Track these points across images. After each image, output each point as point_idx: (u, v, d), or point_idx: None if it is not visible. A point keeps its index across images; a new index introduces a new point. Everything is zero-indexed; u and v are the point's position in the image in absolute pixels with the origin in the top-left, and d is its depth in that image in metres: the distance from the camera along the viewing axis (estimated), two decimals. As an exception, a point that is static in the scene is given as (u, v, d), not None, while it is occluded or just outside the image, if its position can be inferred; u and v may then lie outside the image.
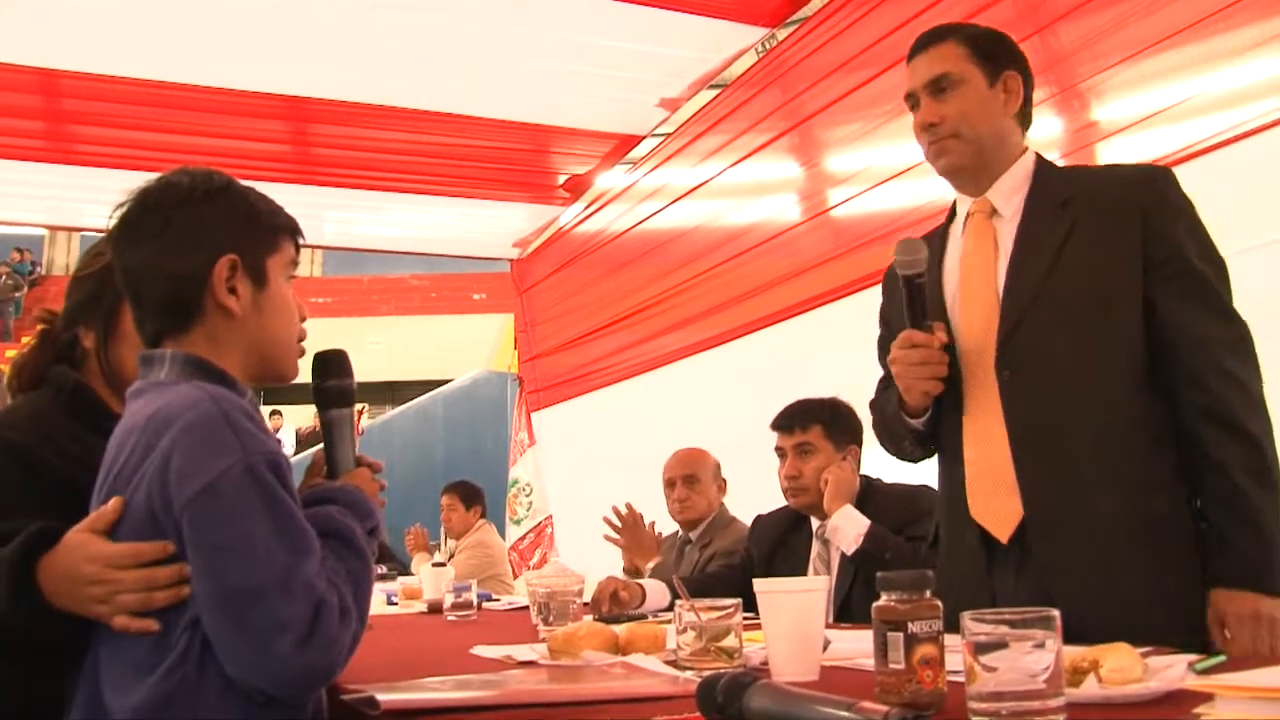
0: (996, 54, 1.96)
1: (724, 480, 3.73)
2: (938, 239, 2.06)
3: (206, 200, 1.45)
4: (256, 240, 1.47)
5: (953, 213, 2.09)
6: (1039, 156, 2.00)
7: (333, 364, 1.59)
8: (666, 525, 3.76)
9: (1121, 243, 1.81)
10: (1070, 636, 1.12)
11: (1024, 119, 1.99)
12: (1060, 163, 3.11)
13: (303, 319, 1.53)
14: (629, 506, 3.48)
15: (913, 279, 1.86)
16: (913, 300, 1.88)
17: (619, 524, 3.46)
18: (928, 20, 3.56)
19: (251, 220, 1.47)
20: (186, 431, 1.30)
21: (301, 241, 1.56)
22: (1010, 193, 1.95)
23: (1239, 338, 1.80)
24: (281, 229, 1.51)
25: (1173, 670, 1.16)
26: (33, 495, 1.50)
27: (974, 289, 1.93)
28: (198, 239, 1.43)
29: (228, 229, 1.44)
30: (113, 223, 1.48)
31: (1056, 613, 1.05)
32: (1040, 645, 1.03)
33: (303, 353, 1.54)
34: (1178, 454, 1.79)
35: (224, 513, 1.27)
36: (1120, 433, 1.80)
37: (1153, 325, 1.80)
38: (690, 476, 3.65)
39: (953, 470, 1.94)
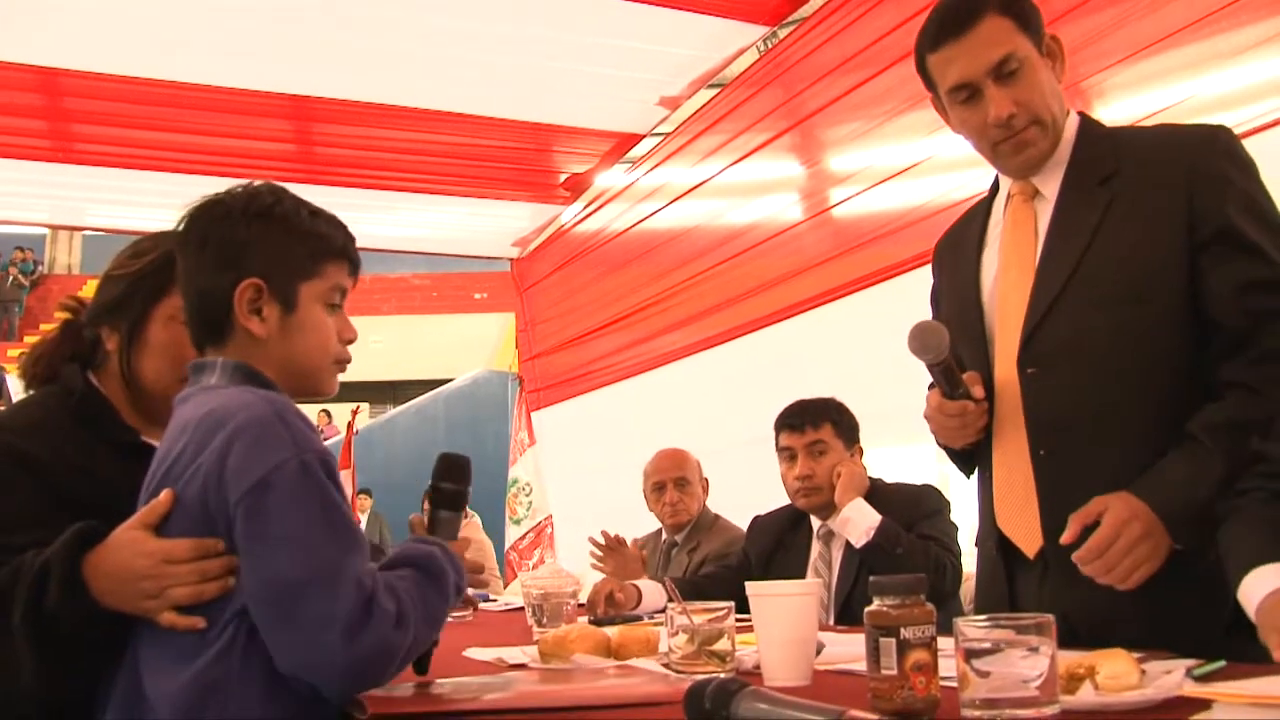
0: (1034, 17, 1.74)
1: (706, 479, 3.72)
2: (980, 216, 1.87)
3: (244, 222, 1.47)
4: (290, 265, 1.48)
5: (996, 185, 1.87)
6: (1082, 119, 1.79)
7: (454, 468, 1.65)
8: (644, 526, 3.74)
9: (1164, 222, 1.62)
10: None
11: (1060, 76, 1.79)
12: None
13: (347, 341, 1.55)
14: (605, 533, 3.43)
15: (934, 365, 1.70)
16: (941, 379, 1.72)
17: (601, 551, 3.41)
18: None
19: (289, 245, 1.49)
20: (242, 429, 1.33)
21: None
22: (1051, 169, 1.75)
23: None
24: (326, 256, 1.52)
25: (1170, 677, 1.13)
26: (41, 507, 1.50)
27: (1010, 283, 1.75)
28: (228, 259, 1.46)
29: (260, 252, 1.47)
30: (178, 228, 1.54)
31: (1051, 618, 1.03)
32: (1035, 650, 1.01)
33: (343, 369, 1.56)
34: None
35: (277, 507, 1.29)
36: (1156, 434, 1.60)
37: (1200, 310, 1.60)
38: (681, 479, 3.63)
39: (984, 479, 1.80)
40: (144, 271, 1.69)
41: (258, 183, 1.53)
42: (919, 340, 1.67)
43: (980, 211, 1.89)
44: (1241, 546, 1.37)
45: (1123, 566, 1.51)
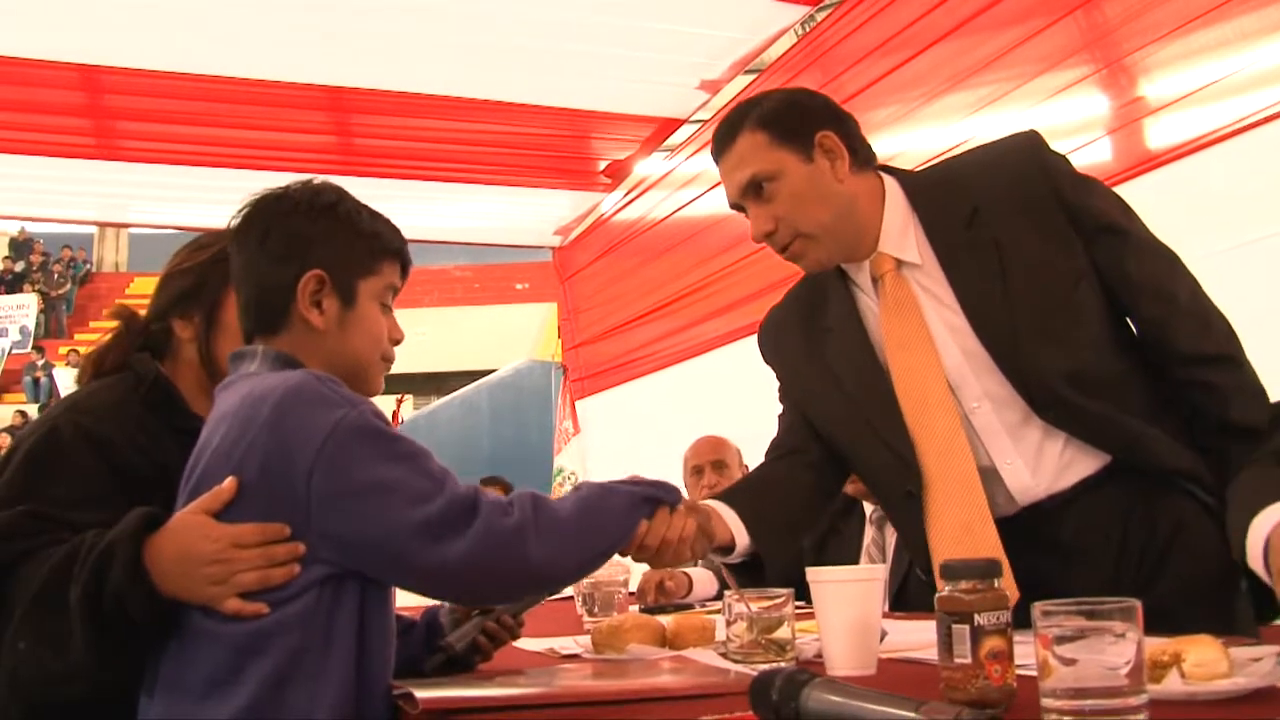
0: (797, 124, 1.73)
1: (747, 467, 3.67)
2: (832, 294, 1.82)
3: (308, 216, 1.50)
4: (351, 261, 1.51)
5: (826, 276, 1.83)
6: (896, 177, 1.79)
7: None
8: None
9: (1057, 231, 1.67)
10: None
11: (864, 160, 1.76)
12: (1099, 140, 3.04)
13: (395, 342, 1.57)
14: None
15: None
16: None
17: None
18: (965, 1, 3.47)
19: (350, 241, 1.51)
20: (288, 397, 1.34)
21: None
22: (901, 234, 1.73)
23: (1175, 265, 1.70)
24: (383, 254, 1.55)
25: (1262, 664, 1.08)
26: (106, 489, 1.53)
27: (915, 371, 1.71)
28: (291, 251, 1.48)
29: (323, 246, 1.49)
30: (234, 222, 1.56)
31: (1138, 603, 0.98)
32: (1121, 636, 0.95)
33: (388, 369, 1.58)
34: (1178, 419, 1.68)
35: (352, 459, 1.31)
36: (1153, 418, 1.68)
37: (1110, 297, 1.68)
38: (719, 462, 3.60)
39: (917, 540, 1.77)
40: (215, 259, 1.72)
41: (317, 180, 1.55)
42: None
43: (824, 289, 1.84)
44: (1246, 492, 1.35)
45: None
